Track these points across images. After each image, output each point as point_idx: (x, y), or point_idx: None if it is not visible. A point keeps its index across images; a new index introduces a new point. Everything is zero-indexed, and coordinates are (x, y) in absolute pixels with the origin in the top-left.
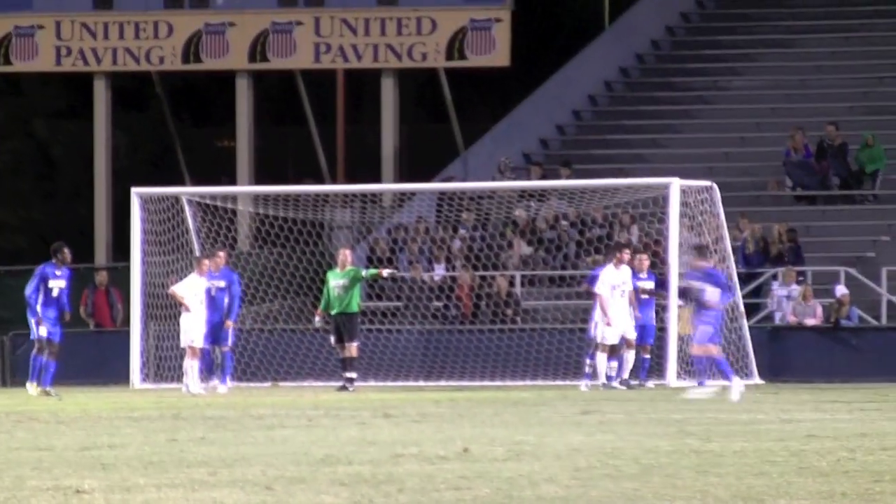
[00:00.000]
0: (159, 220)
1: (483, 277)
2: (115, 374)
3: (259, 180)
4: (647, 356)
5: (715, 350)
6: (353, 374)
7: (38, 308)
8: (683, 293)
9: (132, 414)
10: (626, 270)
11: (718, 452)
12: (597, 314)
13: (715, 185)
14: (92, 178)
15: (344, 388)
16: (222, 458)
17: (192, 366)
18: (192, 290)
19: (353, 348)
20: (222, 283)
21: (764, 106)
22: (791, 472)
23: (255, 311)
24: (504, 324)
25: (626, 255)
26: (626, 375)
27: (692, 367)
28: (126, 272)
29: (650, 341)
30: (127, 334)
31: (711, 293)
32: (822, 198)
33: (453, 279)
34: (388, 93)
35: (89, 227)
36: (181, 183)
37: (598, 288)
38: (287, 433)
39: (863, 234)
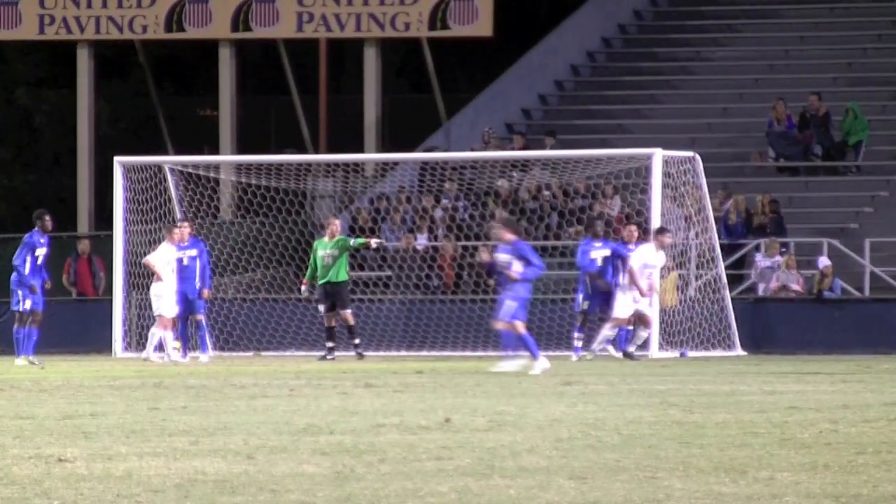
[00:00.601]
0: (142, 189)
1: (465, 247)
2: (98, 342)
3: (241, 150)
4: (631, 327)
5: (520, 326)
6: (358, 340)
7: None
8: (491, 267)
9: (114, 382)
10: (662, 255)
11: (701, 424)
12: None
13: (698, 156)
14: (73, 147)
15: (360, 354)
16: (204, 427)
17: (154, 333)
18: (165, 259)
19: (348, 315)
20: (194, 252)
21: (747, 76)
22: (773, 443)
23: (238, 281)
24: (486, 294)
25: (669, 238)
26: (632, 349)
27: (500, 340)
28: (108, 241)
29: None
30: (109, 303)
31: (516, 267)
32: (805, 169)
33: (435, 249)
34: (371, 62)
35: (71, 195)
36: (163, 152)
37: (633, 262)
38: (269, 402)
39: (846, 205)
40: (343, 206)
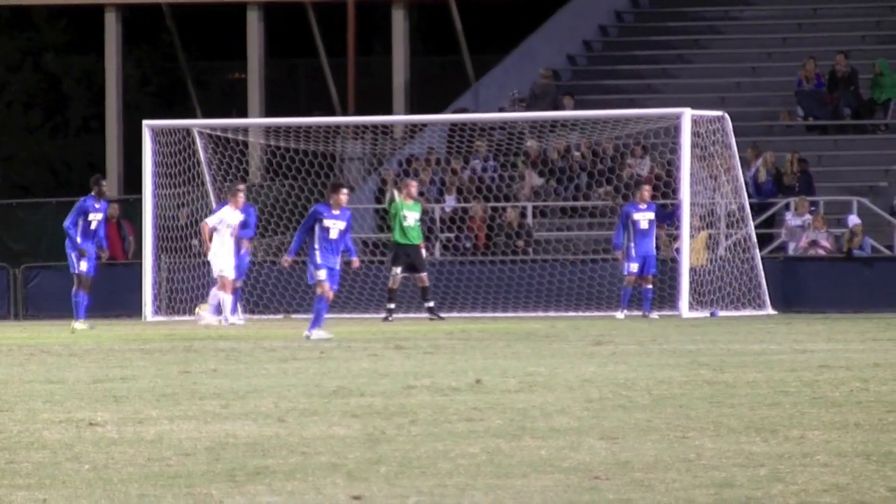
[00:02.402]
0: (170, 153)
1: (495, 209)
2: (128, 306)
3: (270, 112)
4: (650, 287)
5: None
6: (432, 303)
7: (78, 241)
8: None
9: (144, 346)
10: None
11: (731, 383)
12: None
13: (727, 116)
14: (101, 111)
15: (435, 315)
16: (234, 390)
17: (214, 294)
18: (226, 222)
19: (425, 278)
20: (242, 217)
21: (775, 35)
22: (804, 402)
23: (267, 243)
24: (516, 255)
25: None
26: None
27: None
28: (138, 205)
29: (652, 272)
30: (139, 267)
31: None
32: (834, 127)
33: (465, 210)
34: (399, 24)
35: (100, 160)
36: (191, 116)
37: None
38: (299, 365)
39: (875, 163)
40: (372, 168)
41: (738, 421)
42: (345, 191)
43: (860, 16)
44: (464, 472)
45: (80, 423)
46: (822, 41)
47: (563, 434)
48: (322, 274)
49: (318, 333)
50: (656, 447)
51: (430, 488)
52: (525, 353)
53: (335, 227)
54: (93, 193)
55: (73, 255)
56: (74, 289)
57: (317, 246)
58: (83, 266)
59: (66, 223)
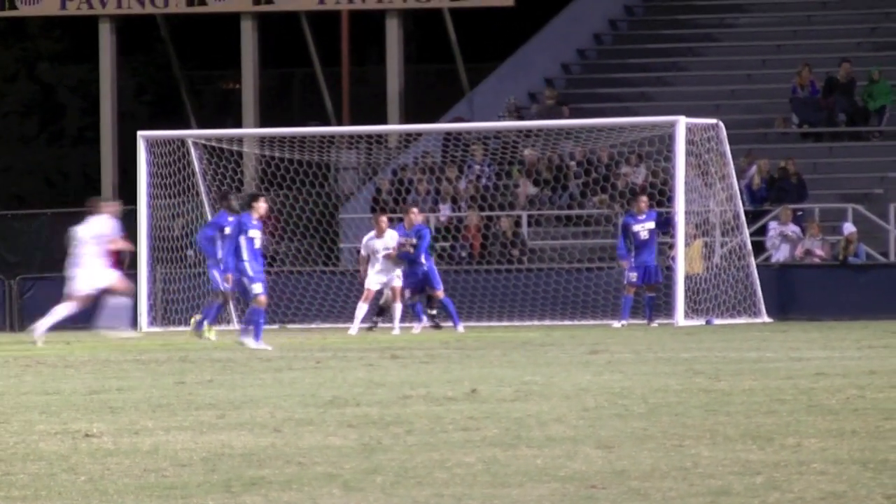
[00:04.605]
0: (165, 164)
1: (490, 217)
2: None
3: (264, 122)
4: (653, 295)
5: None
6: (435, 311)
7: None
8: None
9: (140, 357)
10: None
11: (727, 391)
12: None
13: (721, 123)
14: (97, 122)
15: (435, 324)
16: (230, 400)
17: (360, 307)
18: (372, 248)
19: (439, 293)
20: (414, 241)
21: (770, 43)
22: (800, 410)
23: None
24: (511, 264)
25: None
26: None
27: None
28: (133, 215)
29: (659, 279)
30: (134, 278)
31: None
32: (829, 134)
33: (460, 220)
34: (393, 33)
35: (95, 170)
36: (186, 125)
37: None
38: (295, 375)
39: (870, 170)
40: (366, 178)
41: (735, 429)
42: (263, 198)
43: (855, 23)
44: (460, 482)
45: (76, 434)
46: (816, 48)
47: (559, 443)
48: (259, 287)
49: (258, 344)
50: (653, 455)
51: (426, 498)
52: (521, 362)
53: (258, 236)
54: (249, 211)
55: (214, 272)
56: (213, 302)
57: (246, 257)
58: (227, 284)
59: (201, 239)
